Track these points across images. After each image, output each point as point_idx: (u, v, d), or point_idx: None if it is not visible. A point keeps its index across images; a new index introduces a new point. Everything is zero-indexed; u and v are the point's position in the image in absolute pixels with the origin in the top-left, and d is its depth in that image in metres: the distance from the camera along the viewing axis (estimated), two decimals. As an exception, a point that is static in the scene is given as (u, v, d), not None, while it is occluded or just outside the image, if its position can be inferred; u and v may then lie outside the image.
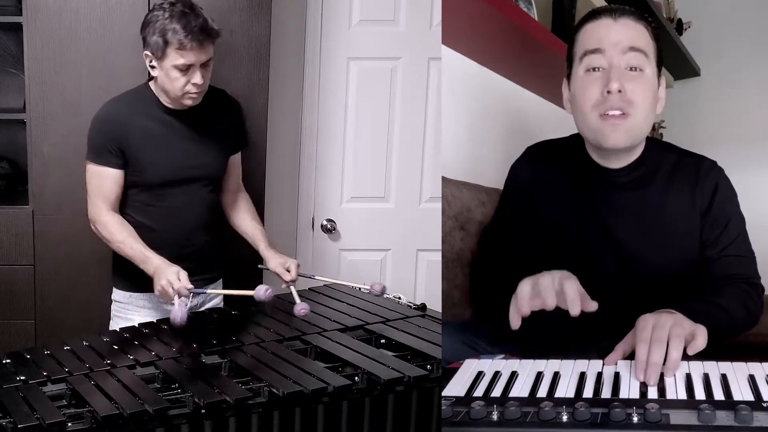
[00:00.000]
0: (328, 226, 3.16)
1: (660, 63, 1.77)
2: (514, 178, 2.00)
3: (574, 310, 1.53)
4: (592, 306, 1.56)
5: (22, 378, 1.73)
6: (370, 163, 3.15)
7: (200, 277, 2.30)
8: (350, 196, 3.17)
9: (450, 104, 2.47)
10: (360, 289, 2.33)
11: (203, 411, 1.62)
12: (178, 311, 2.01)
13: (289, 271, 2.27)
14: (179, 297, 2.06)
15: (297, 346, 1.98)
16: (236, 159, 2.42)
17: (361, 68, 3.07)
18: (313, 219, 3.18)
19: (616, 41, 1.71)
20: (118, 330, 2.09)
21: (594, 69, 1.73)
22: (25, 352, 1.89)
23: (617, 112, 1.71)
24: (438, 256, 2.12)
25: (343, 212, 3.18)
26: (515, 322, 1.57)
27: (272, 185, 2.97)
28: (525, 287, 1.59)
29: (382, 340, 2.06)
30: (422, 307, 2.29)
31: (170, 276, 2.08)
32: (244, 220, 2.40)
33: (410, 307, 2.30)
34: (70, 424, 1.54)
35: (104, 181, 2.20)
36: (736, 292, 1.76)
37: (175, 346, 1.94)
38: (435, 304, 2.22)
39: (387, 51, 3.07)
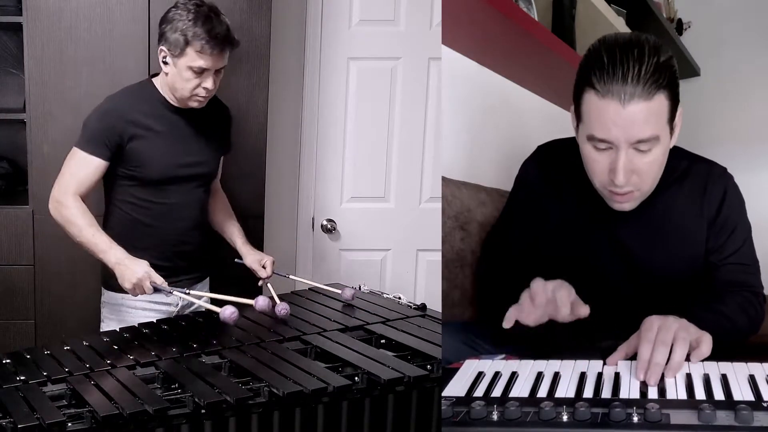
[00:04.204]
0: (328, 226, 3.16)
1: (677, 105, 1.62)
2: (524, 176, 1.99)
3: (564, 312, 1.54)
4: (584, 311, 1.57)
5: (22, 378, 1.73)
6: (370, 163, 3.15)
7: (190, 276, 2.33)
8: (350, 196, 3.17)
9: (450, 104, 2.47)
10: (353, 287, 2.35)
11: (203, 411, 1.62)
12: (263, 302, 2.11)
13: (264, 267, 2.33)
14: (156, 291, 2.08)
15: (297, 346, 1.98)
16: (220, 162, 2.45)
17: (361, 68, 3.07)
18: (313, 219, 3.18)
19: (624, 130, 1.56)
20: (118, 330, 2.09)
21: (601, 148, 1.64)
22: (25, 352, 1.89)
23: (624, 191, 1.67)
24: (438, 256, 2.12)
25: (343, 212, 3.18)
26: (507, 323, 1.60)
27: (272, 185, 2.97)
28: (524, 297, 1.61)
29: (382, 340, 2.06)
30: (422, 307, 2.29)
31: (146, 268, 2.07)
32: (224, 218, 2.44)
33: (410, 307, 2.30)
34: (70, 424, 1.54)
35: (86, 169, 2.18)
36: (738, 300, 1.75)
37: (175, 346, 1.94)
38: (435, 304, 2.22)
39: (387, 51, 3.07)
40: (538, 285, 1.63)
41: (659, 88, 1.55)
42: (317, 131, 3.12)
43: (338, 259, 3.21)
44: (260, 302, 2.12)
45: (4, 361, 1.84)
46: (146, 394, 1.64)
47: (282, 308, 2.12)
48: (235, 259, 2.40)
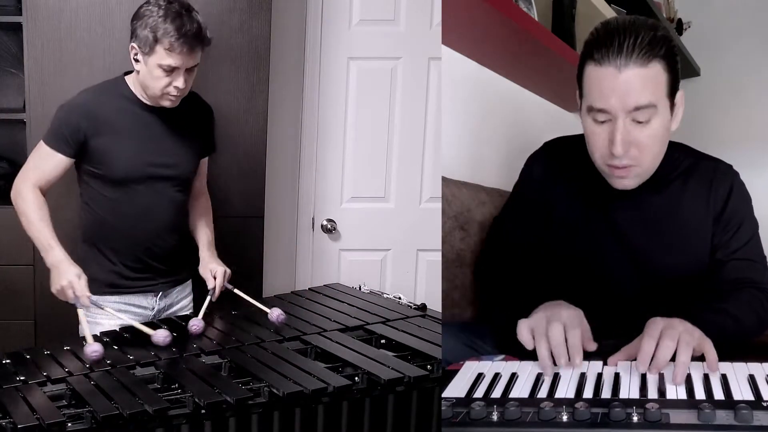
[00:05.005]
0: (328, 226, 3.16)
1: (676, 83, 1.65)
2: (528, 172, 1.99)
3: (576, 362, 1.52)
4: (592, 347, 1.56)
5: (22, 378, 1.73)
6: (370, 163, 3.15)
7: (170, 279, 2.29)
8: (350, 196, 3.17)
9: (450, 104, 2.47)
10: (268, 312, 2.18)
11: (203, 411, 1.62)
12: (160, 337, 1.96)
13: (215, 278, 2.21)
14: (79, 304, 2.02)
15: (297, 346, 1.98)
16: (204, 163, 2.38)
17: (361, 68, 3.07)
18: (313, 219, 3.18)
19: (621, 97, 1.59)
20: (118, 329, 2.09)
21: (599, 120, 1.65)
22: (25, 352, 1.90)
23: (623, 164, 1.67)
24: (438, 256, 2.12)
25: (343, 212, 3.18)
26: (530, 345, 1.55)
27: (272, 185, 2.97)
28: (540, 323, 1.56)
29: (382, 340, 2.06)
30: (422, 307, 2.29)
31: (71, 277, 2.03)
32: (197, 223, 2.33)
33: (410, 307, 2.30)
34: (70, 424, 1.54)
35: (48, 163, 2.15)
36: (745, 298, 1.73)
37: (175, 347, 1.94)
38: (435, 304, 2.22)
39: (387, 51, 3.07)
40: (540, 322, 1.56)
41: (655, 57, 1.58)
42: (317, 131, 3.12)
43: (338, 259, 3.20)
44: (157, 336, 1.98)
45: (4, 361, 1.84)
46: (146, 394, 1.64)
47: (193, 325, 2.06)
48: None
